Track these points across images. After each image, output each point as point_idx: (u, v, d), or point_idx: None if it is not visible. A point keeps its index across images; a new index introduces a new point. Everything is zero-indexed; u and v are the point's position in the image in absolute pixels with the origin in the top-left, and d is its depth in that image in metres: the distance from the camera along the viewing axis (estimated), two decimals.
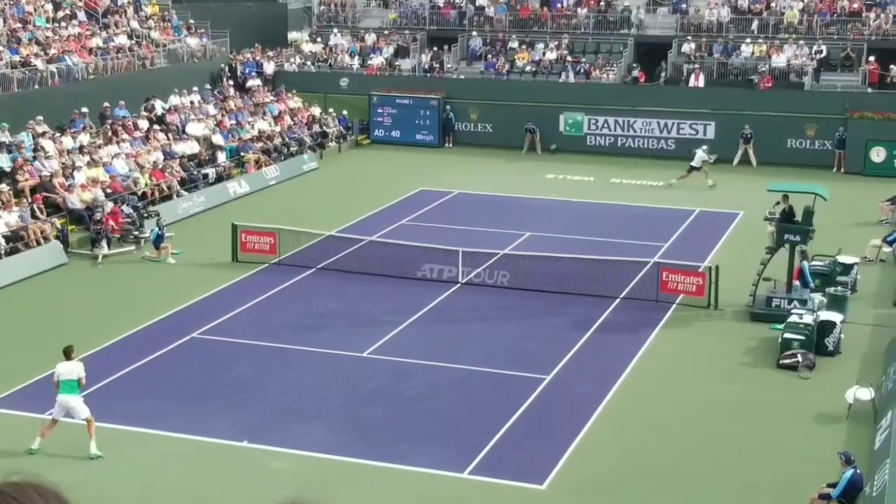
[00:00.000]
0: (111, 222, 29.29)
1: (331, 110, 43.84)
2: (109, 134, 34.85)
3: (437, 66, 45.92)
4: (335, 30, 49.26)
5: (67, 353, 17.62)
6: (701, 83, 42.58)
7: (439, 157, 41.48)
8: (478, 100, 43.41)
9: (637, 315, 23.94)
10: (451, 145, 42.93)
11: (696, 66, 43.22)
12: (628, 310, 24.29)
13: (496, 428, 18.25)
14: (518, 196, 35.08)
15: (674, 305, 24.41)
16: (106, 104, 36.68)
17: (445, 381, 20.52)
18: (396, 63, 46.69)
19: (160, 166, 33.62)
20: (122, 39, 41.01)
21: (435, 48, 47.10)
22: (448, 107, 43.06)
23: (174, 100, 39.67)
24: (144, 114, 38.07)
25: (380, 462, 17.16)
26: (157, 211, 30.73)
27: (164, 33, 44.00)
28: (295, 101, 43.73)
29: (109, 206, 29.87)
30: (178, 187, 33.30)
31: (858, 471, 15.56)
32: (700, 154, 36.62)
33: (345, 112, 44.08)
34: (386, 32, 48.69)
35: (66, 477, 12.30)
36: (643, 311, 24.09)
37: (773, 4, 45.12)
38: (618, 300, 24.72)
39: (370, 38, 48.35)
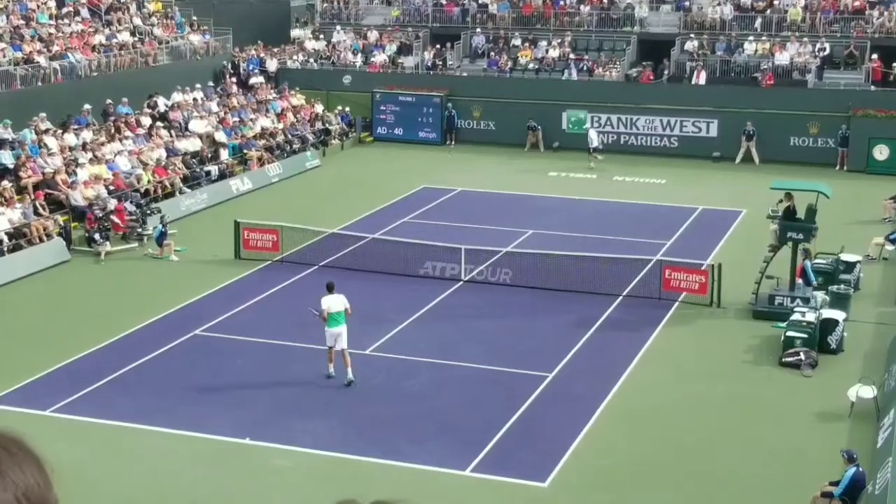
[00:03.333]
0: (116, 220, 29.32)
1: (337, 108, 43.81)
2: (112, 131, 34.87)
3: (440, 63, 45.89)
4: (338, 27, 49.25)
5: (330, 288, 19.81)
6: (703, 81, 42.55)
7: (442, 155, 41.48)
8: (480, 97, 43.36)
9: (639, 313, 23.93)
10: (453, 143, 42.89)
11: (699, 63, 43.19)
12: (631, 307, 24.28)
13: (498, 426, 18.25)
14: (520, 194, 35.06)
15: (676, 303, 24.40)
16: (109, 101, 36.70)
17: (447, 379, 20.53)
18: (399, 60, 46.69)
19: (163, 163, 33.63)
20: (124, 36, 41.02)
21: (438, 45, 47.09)
22: (450, 104, 43.04)
23: (177, 97, 39.68)
24: (147, 111, 38.09)
25: (382, 459, 17.16)
26: (160, 208, 30.75)
27: (167, 30, 44.00)
28: (298, 99, 43.73)
29: (113, 203, 29.91)
30: (181, 184, 33.32)
31: (861, 469, 15.55)
32: (592, 134, 39.43)
33: (347, 109, 44.07)
34: (389, 29, 48.69)
35: (68, 474, 12.31)
36: (646, 309, 24.08)
37: (776, 2, 45.07)
38: (620, 298, 24.71)
39: (373, 36, 48.34)
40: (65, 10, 40.88)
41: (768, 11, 44.82)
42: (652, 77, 43.24)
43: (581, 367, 21.05)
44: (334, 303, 19.65)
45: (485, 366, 21.02)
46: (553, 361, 21.10)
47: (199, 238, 29.72)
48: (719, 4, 45.53)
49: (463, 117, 43.40)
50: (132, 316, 23.44)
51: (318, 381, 20.30)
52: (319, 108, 43.66)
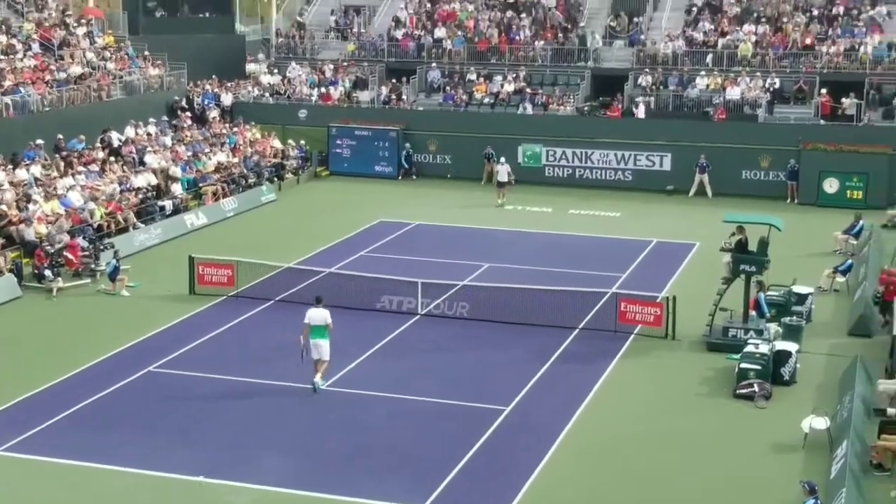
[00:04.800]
0: (70, 255, 29.04)
1: (290, 141, 43.80)
2: (62, 166, 34.55)
3: (396, 97, 46.05)
4: (293, 63, 49.21)
5: (318, 300, 21.33)
6: (642, 114, 43.02)
7: (399, 189, 41.55)
8: (437, 131, 43.58)
9: (596, 345, 24.03)
10: (415, 178, 42.99)
11: (639, 98, 43.69)
12: (587, 340, 24.37)
13: (456, 459, 18.20)
14: (477, 227, 35.17)
15: (632, 336, 24.53)
16: (60, 136, 36.43)
17: (404, 413, 20.45)
18: (355, 95, 46.79)
19: (116, 198, 33.38)
20: (76, 70, 40.76)
21: (393, 80, 47.25)
22: (408, 144, 43.19)
23: (130, 131, 39.46)
24: (100, 145, 37.83)
25: (339, 496, 17.02)
26: (114, 243, 30.50)
27: (121, 64, 43.81)
28: (253, 133, 43.65)
29: (66, 238, 29.62)
30: (135, 219, 33.07)
31: (820, 501, 15.62)
32: (500, 168, 39.02)
33: (303, 142, 44.08)
34: (345, 64, 48.80)
35: None
36: (602, 342, 24.19)
37: (727, 37, 45.71)
38: (577, 330, 24.81)
39: (329, 71, 48.39)
40: (17, 45, 40.55)
41: (719, 47, 45.45)
42: (619, 112, 43.56)
43: (538, 400, 21.07)
44: (316, 316, 21.03)
45: (442, 399, 20.98)
46: (510, 395, 21.10)
47: (153, 273, 29.49)
48: (671, 40, 46.11)
49: (419, 151, 43.56)
50: (84, 353, 23.17)
51: (275, 417, 20.16)
52: (276, 143, 43.61)
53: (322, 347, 21.08)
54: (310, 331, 21.13)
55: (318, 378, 21.10)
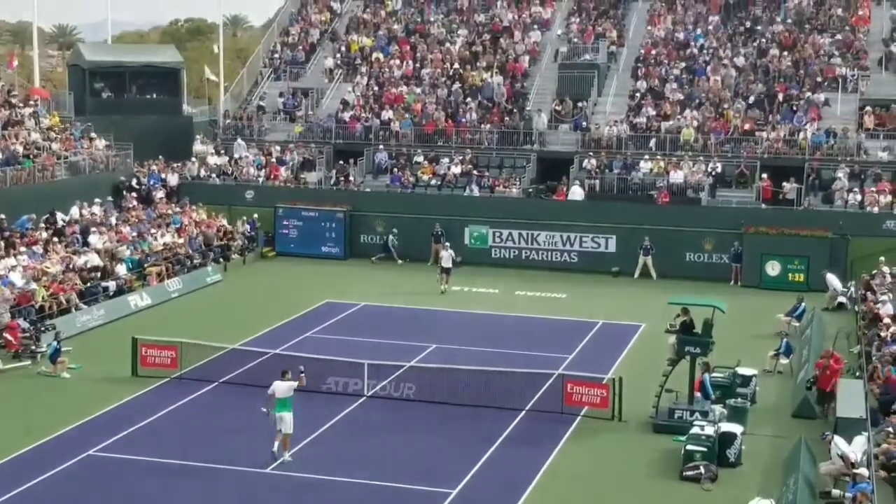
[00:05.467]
0: (9, 337, 28.56)
1: (243, 217, 43.69)
2: (3, 246, 34.12)
3: (343, 179, 46.25)
4: (240, 140, 49.27)
5: (284, 374, 21.70)
6: (579, 196, 43.50)
7: (346, 269, 41.50)
8: (384, 213, 43.75)
9: (542, 427, 23.95)
10: (400, 262, 42.76)
11: (575, 180, 44.26)
12: (534, 422, 24.30)
13: None
14: (424, 308, 35.15)
15: (578, 417, 24.51)
16: (2, 216, 36.06)
17: (350, 497, 20.18)
18: (302, 176, 46.91)
19: (59, 279, 32.97)
20: (20, 149, 40.50)
21: (341, 161, 47.48)
22: (395, 230, 43.22)
23: (76, 211, 39.15)
24: (43, 226, 37.48)
25: None
26: (55, 325, 30.07)
27: (66, 145, 43.63)
28: (199, 214, 43.50)
29: (6, 318, 29.16)
30: (77, 300, 32.64)
31: None
32: (444, 253, 38.28)
33: (255, 216, 44.03)
34: (291, 145, 48.98)
35: None
36: (548, 424, 24.12)
37: (669, 122, 46.55)
38: (523, 412, 24.74)
39: (276, 151, 48.47)
40: None
41: (662, 131, 46.28)
42: (564, 196, 44.03)
43: (485, 483, 20.90)
44: (281, 388, 21.41)
45: (388, 483, 20.74)
46: (457, 477, 20.92)
47: (95, 355, 29.05)
48: (615, 125, 46.89)
49: (366, 232, 43.66)
50: (23, 436, 22.65)
51: (219, 502, 19.78)
52: (225, 222, 43.48)
53: (286, 420, 21.36)
54: (275, 403, 21.41)
55: (285, 453, 21.47)
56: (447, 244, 39.39)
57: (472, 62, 52.08)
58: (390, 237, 43.21)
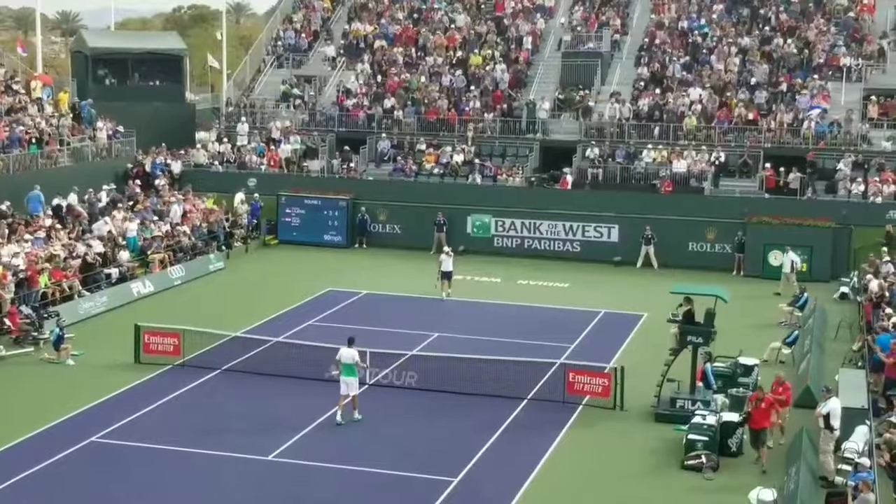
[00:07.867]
0: (8, 322, 28.61)
1: (239, 203, 43.67)
2: (7, 232, 34.15)
3: (346, 167, 46.22)
4: (243, 119, 49.14)
5: (350, 342, 23.48)
6: (568, 186, 43.51)
7: (348, 258, 41.53)
8: (386, 201, 43.76)
9: (544, 416, 23.99)
10: (364, 246, 43.10)
11: (566, 170, 44.25)
12: (536, 411, 24.34)
13: None
14: (426, 297, 35.16)
15: (580, 406, 24.54)
16: (7, 203, 36.10)
17: (352, 485, 20.24)
18: (305, 164, 46.89)
19: (61, 265, 32.98)
20: (22, 133, 40.55)
21: (345, 147, 47.42)
22: (364, 208, 43.35)
23: (73, 199, 39.15)
24: (48, 212, 37.50)
25: None
26: (58, 311, 30.11)
27: (74, 131, 43.69)
28: (202, 201, 43.49)
29: (7, 302, 29.21)
30: (80, 287, 32.68)
31: None
32: (445, 257, 35.37)
33: (256, 195, 44.01)
34: (288, 124, 48.88)
35: None
36: (550, 412, 24.16)
37: (673, 111, 46.40)
38: (525, 401, 24.77)
39: (276, 133, 48.29)
40: None
41: (665, 121, 46.15)
42: (569, 184, 44.03)
43: (487, 471, 20.95)
44: (346, 354, 23.25)
45: (390, 471, 20.79)
46: (459, 465, 20.97)
47: (98, 342, 29.10)
48: (617, 103, 46.67)
49: (369, 220, 43.68)
50: (26, 422, 22.71)
51: (220, 489, 19.84)
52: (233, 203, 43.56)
53: (351, 384, 23.17)
54: (342, 368, 23.13)
55: (355, 412, 23.27)
56: (447, 249, 36.62)
57: (475, 49, 51.83)
58: (360, 216, 43.11)
